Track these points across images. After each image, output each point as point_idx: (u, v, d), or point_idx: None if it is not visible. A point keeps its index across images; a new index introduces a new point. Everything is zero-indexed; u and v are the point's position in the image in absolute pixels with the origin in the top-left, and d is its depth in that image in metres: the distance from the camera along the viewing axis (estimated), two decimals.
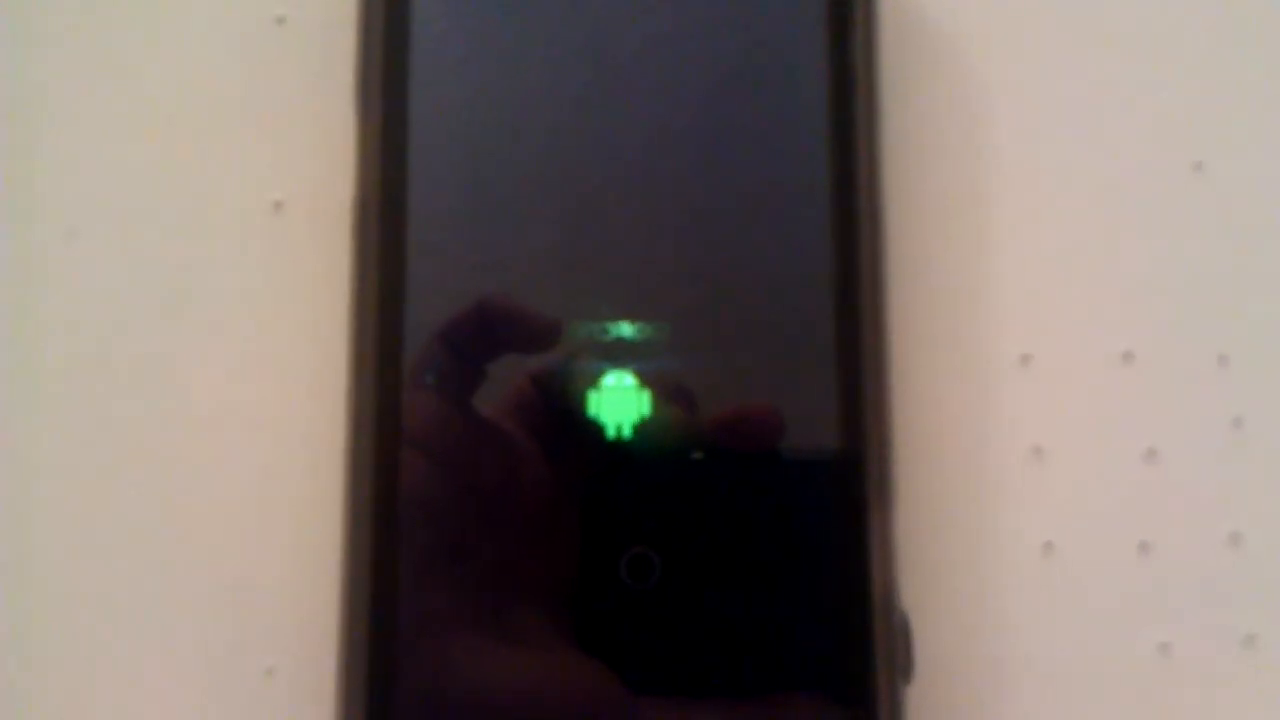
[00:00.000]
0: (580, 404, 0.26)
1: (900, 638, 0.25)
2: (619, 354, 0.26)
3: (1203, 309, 0.29)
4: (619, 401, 0.26)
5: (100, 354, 0.28)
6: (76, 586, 0.27)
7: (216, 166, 0.29)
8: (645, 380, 0.26)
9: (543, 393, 0.26)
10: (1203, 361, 0.29)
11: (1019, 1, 0.30)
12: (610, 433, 0.26)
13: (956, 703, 0.27)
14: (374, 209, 0.26)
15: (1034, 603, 0.28)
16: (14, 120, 0.29)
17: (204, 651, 0.27)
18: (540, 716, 0.25)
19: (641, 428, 0.26)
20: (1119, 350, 0.29)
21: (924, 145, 0.29)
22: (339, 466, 0.26)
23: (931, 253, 0.29)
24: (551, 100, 0.27)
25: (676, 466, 0.26)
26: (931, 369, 0.29)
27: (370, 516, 0.25)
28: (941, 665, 0.27)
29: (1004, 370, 0.29)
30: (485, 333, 0.26)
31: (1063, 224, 0.29)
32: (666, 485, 0.26)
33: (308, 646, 0.27)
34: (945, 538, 0.28)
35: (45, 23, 0.29)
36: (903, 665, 0.25)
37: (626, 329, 0.26)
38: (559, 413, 0.26)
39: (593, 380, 0.26)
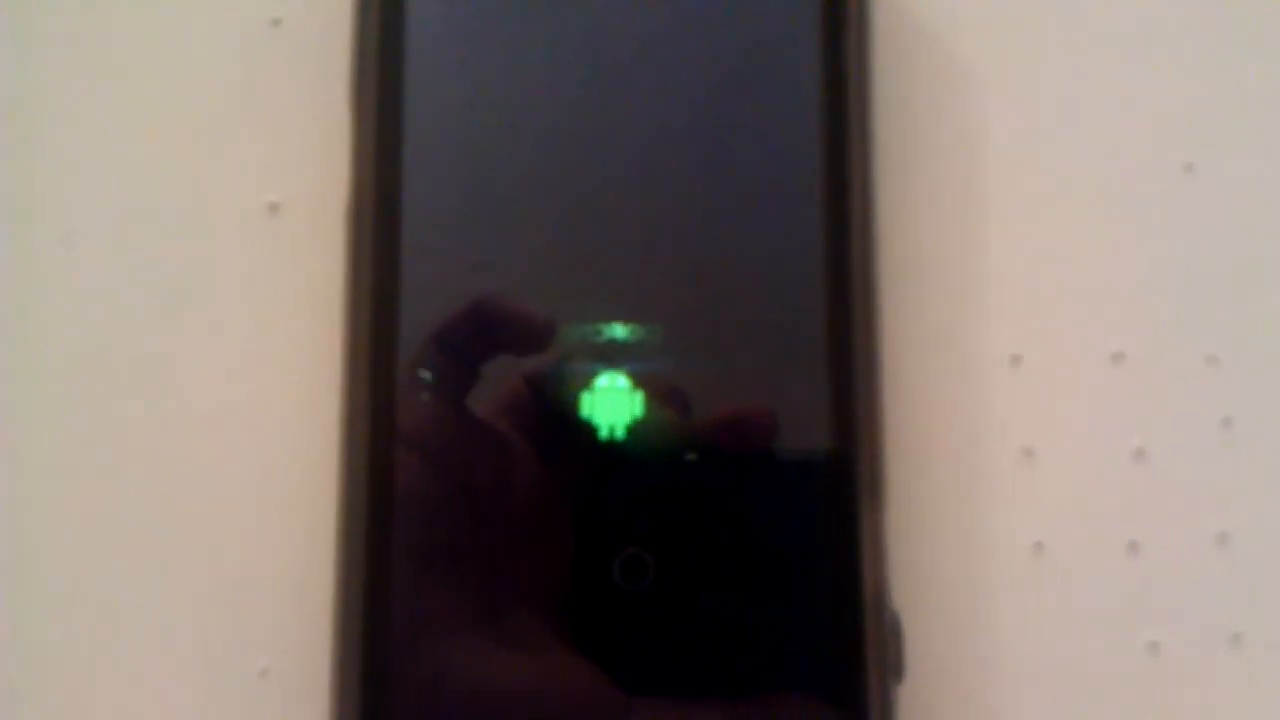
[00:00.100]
0: (573, 405, 0.26)
1: (891, 637, 0.25)
2: (612, 355, 0.26)
3: (1192, 310, 0.29)
4: (612, 402, 0.26)
5: (97, 355, 0.28)
6: (73, 587, 0.28)
7: (212, 168, 0.29)
8: (638, 381, 0.26)
9: (536, 394, 0.26)
10: (1192, 362, 0.29)
11: (1011, 2, 0.30)
12: (603, 434, 0.26)
13: (947, 702, 0.28)
14: (369, 210, 0.26)
15: (1024, 602, 0.28)
16: (10, 123, 0.29)
17: (199, 652, 0.27)
18: (534, 717, 0.25)
19: (635, 429, 0.26)
20: (1109, 351, 0.29)
21: (916, 146, 0.30)
22: (334, 467, 0.26)
23: (923, 254, 0.29)
24: (546, 102, 0.27)
25: (670, 467, 0.26)
26: (922, 369, 0.29)
27: (364, 517, 0.25)
28: (932, 664, 0.27)
29: (994, 371, 0.29)
30: (480, 333, 0.26)
31: (1053, 225, 0.29)
32: (660, 486, 0.26)
33: (302, 647, 0.27)
34: (936, 538, 0.28)
35: (41, 26, 0.29)
36: (894, 665, 0.25)
37: (619, 330, 0.26)
38: (552, 414, 0.26)
39: (586, 381, 0.26)
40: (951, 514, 0.28)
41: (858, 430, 0.26)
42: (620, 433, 0.26)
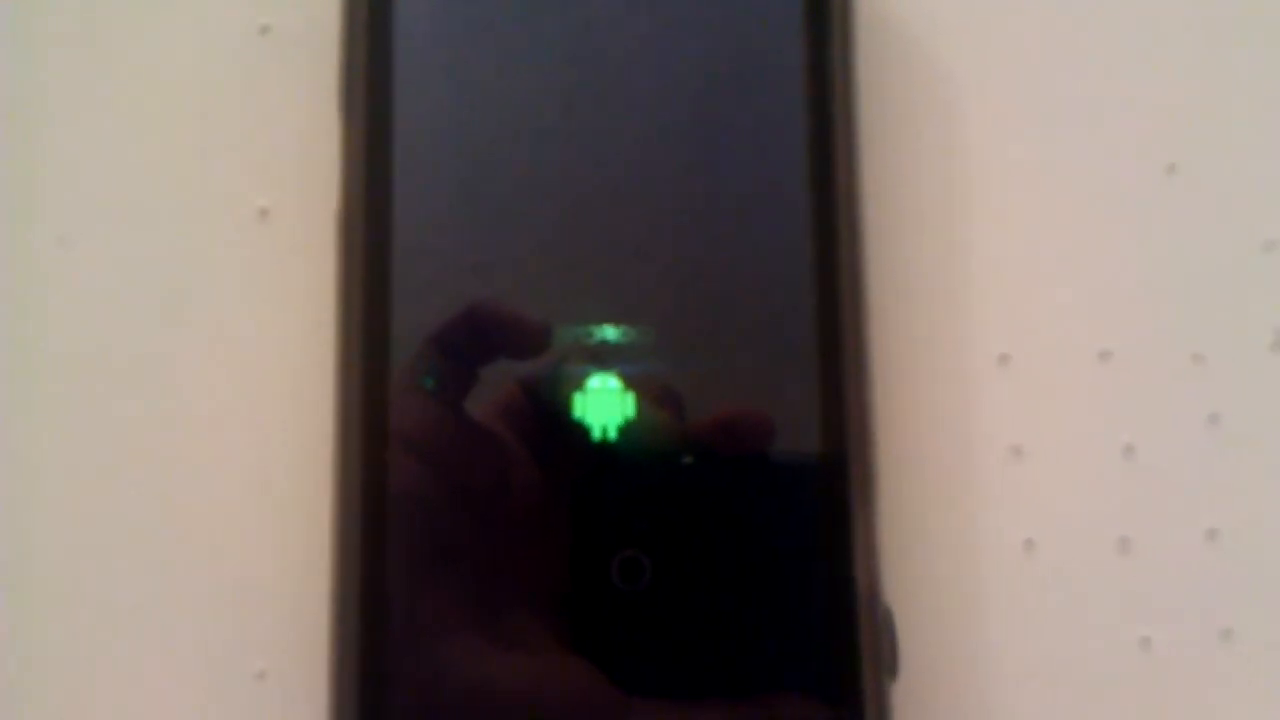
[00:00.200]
0: (569, 408, 0.26)
1: (885, 635, 0.26)
2: (605, 357, 0.26)
3: (1178, 308, 0.30)
4: (608, 405, 0.26)
5: (94, 356, 0.28)
6: (73, 587, 0.27)
7: (202, 174, 0.29)
8: (633, 384, 0.26)
9: (532, 397, 0.26)
10: (1179, 360, 0.29)
11: (994, 5, 0.30)
12: (599, 436, 0.26)
13: (940, 698, 0.28)
14: (359, 215, 0.26)
15: (1015, 599, 0.28)
16: (5, 128, 0.29)
17: (197, 653, 0.27)
18: (532, 718, 0.25)
19: (631, 431, 0.26)
20: (1096, 349, 0.29)
21: (901, 149, 0.30)
22: (330, 469, 0.26)
23: (910, 255, 0.29)
24: (534, 106, 0.27)
25: (666, 470, 0.26)
26: (912, 370, 0.29)
27: (361, 519, 0.25)
28: (925, 662, 0.27)
29: (983, 370, 0.29)
30: (475, 338, 0.26)
31: (1039, 225, 0.30)
32: (656, 488, 0.26)
33: (300, 649, 0.27)
34: (928, 536, 0.28)
35: (35, 33, 0.29)
36: (888, 662, 0.25)
37: (611, 332, 0.26)
38: (548, 417, 0.26)
39: (580, 384, 0.26)
40: (942, 512, 0.28)
41: (848, 430, 0.26)
42: (616, 435, 0.26)
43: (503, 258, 0.26)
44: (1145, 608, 0.28)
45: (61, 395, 0.28)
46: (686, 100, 0.27)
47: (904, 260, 0.29)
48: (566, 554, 0.25)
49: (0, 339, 0.28)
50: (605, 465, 0.26)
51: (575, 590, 0.25)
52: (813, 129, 0.27)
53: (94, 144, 0.29)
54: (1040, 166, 0.30)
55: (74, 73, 0.29)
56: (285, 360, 0.28)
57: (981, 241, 0.30)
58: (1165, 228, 0.30)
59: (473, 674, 0.25)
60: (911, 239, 0.29)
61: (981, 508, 0.29)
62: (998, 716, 0.28)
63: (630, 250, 0.27)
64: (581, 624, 0.25)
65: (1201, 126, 0.30)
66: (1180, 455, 0.29)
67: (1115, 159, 0.30)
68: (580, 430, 0.26)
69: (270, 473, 0.28)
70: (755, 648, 0.25)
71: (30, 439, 0.28)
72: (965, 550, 0.28)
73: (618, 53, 0.27)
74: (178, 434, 0.28)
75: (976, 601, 0.28)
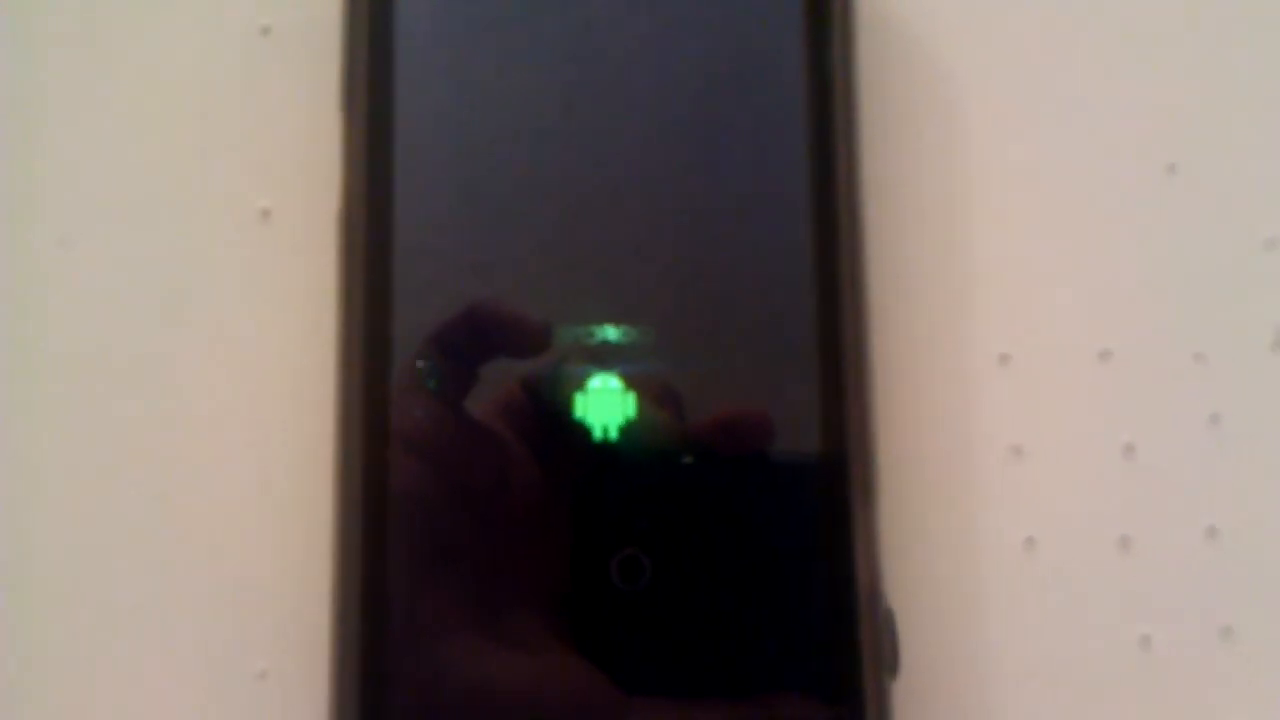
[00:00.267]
0: (570, 408, 0.26)
1: (886, 634, 0.26)
2: (605, 357, 0.26)
3: (1178, 308, 0.30)
4: (608, 405, 0.26)
5: (95, 356, 0.28)
6: (73, 587, 0.27)
7: (203, 175, 0.29)
8: (633, 383, 0.26)
9: (532, 397, 0.26)
10: (1179, 359, 0.29)
11: (995, 5, 0.30)
12: (600, 436, 0.26)
13: (941, 697, 0.28)
14: (361, 215, 0.26)
15: (1016, 598, 0.28)
16: (6, 128, 0.29)
17: (198, 653, 0.27)
18: (532, 718, 0.25)
19: (631, 431, 0.26)
20: (1096, 349, 0.29)
21: (902, 148, 0.30)
22: (331, 470, 0.26)
23: (910, 255, 0.29)
24: (536, 106, 0.27)
25: (666, 469, 0.26)
26: (912, 369, 0.29)
27: (361, 520, 0.25)
28: (926, 661, 0.27)
29: (983, 370, 0.29)
30: (476, 337, 0.26)
31: (1039, 225, 0.30)
32: (657, 488, 0.26)
33: (301, 649, 0.27)
34: (928, 535, 0.28)
35: (35, 33, 0.29)
36: (889, 661, 0.25)
37: (612, 332, 0.26)
38: (549, 416, 0.26)
39: (582, 384, 0.26)
40: (943, 512, 0.28)
41: (848, 430, 0.26)
42: (616, 435, 0.26)
43: (503, 257, 0.26)
44: (1145, 607, 0.28)
45: (63, 396, 0.28)
46: (687, 100, 0.27)
47: (904, 260, 0.29)
48: (566, 553, 0.26)
49: (1, 339, 0.28)
50: (605, 465, 0.26)
51: (575, 590, 0.25)
52: (813, 129, 0.27)
53: (95, 145, 0.29)
54: (1040, 166, 0.30)
55: (75, 73, 0.29)
56: (286, 360, 0.28)
57: (982, 241, 0.30)
58: (1165, 227, 0.30)
59: (472, 674, 0.25)
60: (912, 239, 0.29)
61: (982, 507, 0.29)
62: (998, 715, 0.28)
63: (631, 250, 0.27)
64: (581, 623, 0.25)
65: (1201, 126, 0.30)
66: (1181, 454, 0.29)
67: (1115, 158, 0.30)
68: (580, 430, 0.26)
69: (271, 473, 0.28)
70: (755, 647, 0.25)
71: (32, 440, 0.28)
72: (965, 549, 0.28)
73: (618, 52, 0.27)
74: (179, 434, 0.28)
75: (977, 601, 0.28)
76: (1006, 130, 0.30)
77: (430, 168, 0.27)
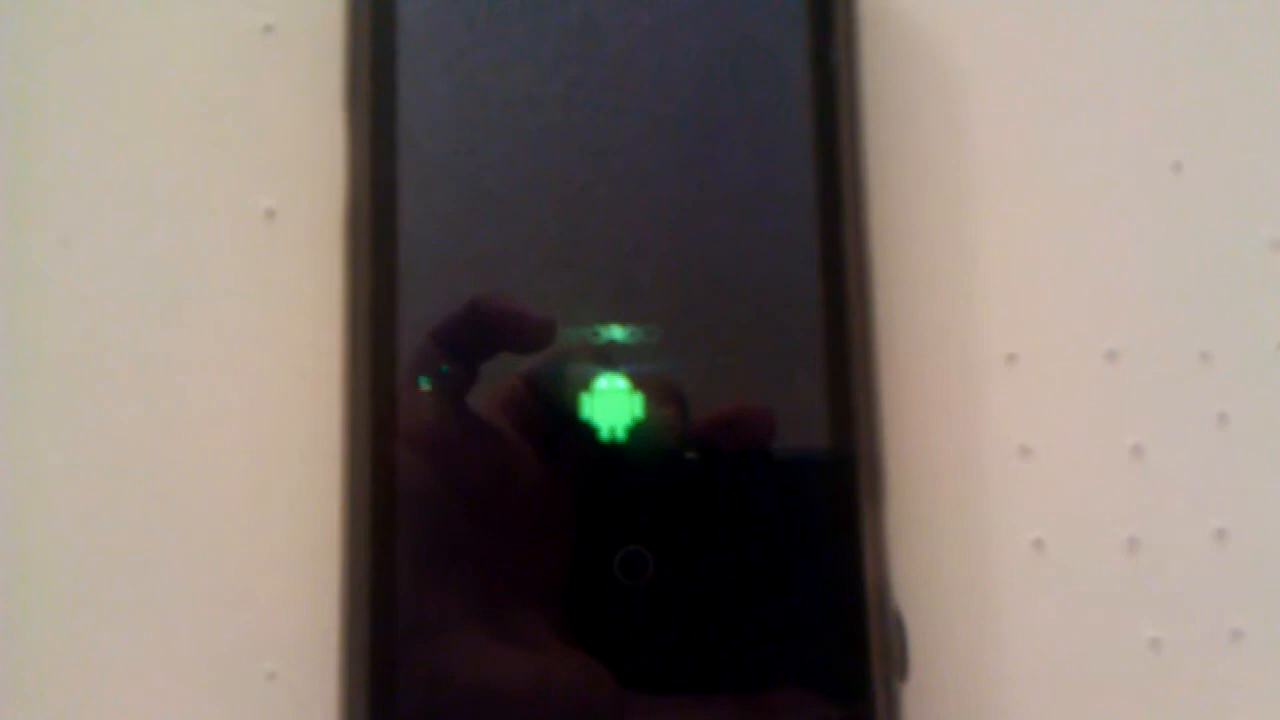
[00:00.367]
0: (572, 403, 0.26)
1: (895, 636, 0.25)
2: (610, 354, 0.26)
3: (1185, 307, 0.29)
4: (610, 400, 0.26)
5: (97, 359, 0.28)
6: (78, 589, 0.27)
7: (208, 175, 0.29)
8: (636, 380, 0.26)
9: (535, 392, 0.26)
10: (1186, 359, 0.29)
11: (999, 4, 0.30)
12: (602, 431, 0.26)
13: (948, 699, 0.28)
14: (365, 214, 0.26)
15: (1024, 599, 0.28)
16: (9, 128, 0.29)
17: (206, 655, 0.27)
18: (536, 714, 0.25)
19: (633, 426, 0.26)
20: (1103, 349, 0.29)
21: (907, 148, 0.30)
22: (338, 470, 0.26)
23: (917, 254, 0.29)
24: (540, 105, 0.27)
25: (669, 465, 0.26)
26: (919, 369, 0.29)
27: (369, 520, 0.25)
28: (934, 661, 0.27)
29: (991, 370, 0.29)
30: (479, 333, 0.26)
31: (1046, 224, 0.30)
32: (659, 484, 0.26)
33: (309, 650, 0.27)
34: (936, 536, 0.28)
35: (32, 36, 0.29)
36: (898, 664, 0.25)
37: (618, 331, 0.26)
38: (551, 412, 0.26)
39: (584, 379, 0.26)
40: (950, 512, 0.28)
41: (856, 429, 0.26)
42: (619, 431, 0.26)
43: (508, 255, 0.26)
44: (1154, 608, 0.28)
45: (67, 397, 0.28)
46: (692, 98, 0.27)
47: (911, 260, 0.29)
48: (569, 549, 0.25)
49: (6, 340, 0.28)
50: (608, 460, 0.26)
51: (578, 585, 0.25)
52: (818, 127, 0.27)
53: (98, 145, 0.29)
54: (1046, 165, 0.30)
55: (78, 74, 0.29)
56: (292, 360, 0.28)
57: (988, 241, 0.29)
58: (1172, 226, 0.30)
59: (481, 672, 0.24)
60: (918, 239, 0.29)
61: (990, 507, 0.28)
62: (1006, 716, 0.28)
63: (637, 247, 0.27)
64: (585, 619, 0.25)
65: (1208, 124, 0.30)
66: (1189, 455, 0.29)
67: (1122, 157, 0.30)
68: (585, 426, 0.26)
69: (277, 474, 0.28)
70: (758, 644, 0.25)
71: (32, 441, 0.28)
72: (974, 550, 0.28)
73: (622, 50, 0.27)
74: (185, 435, 0.28)
75: (985, 601, 0.28)
76: (1012, 129, 0.30)
77: (435, 167, 0.27)
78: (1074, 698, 0.28)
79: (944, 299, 0.29)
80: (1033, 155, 0.30)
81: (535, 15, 0.27)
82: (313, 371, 0.27)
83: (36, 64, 0.29)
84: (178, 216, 0.29)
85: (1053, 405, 0.29)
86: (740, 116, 0.27)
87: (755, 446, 0.26)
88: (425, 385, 0.26)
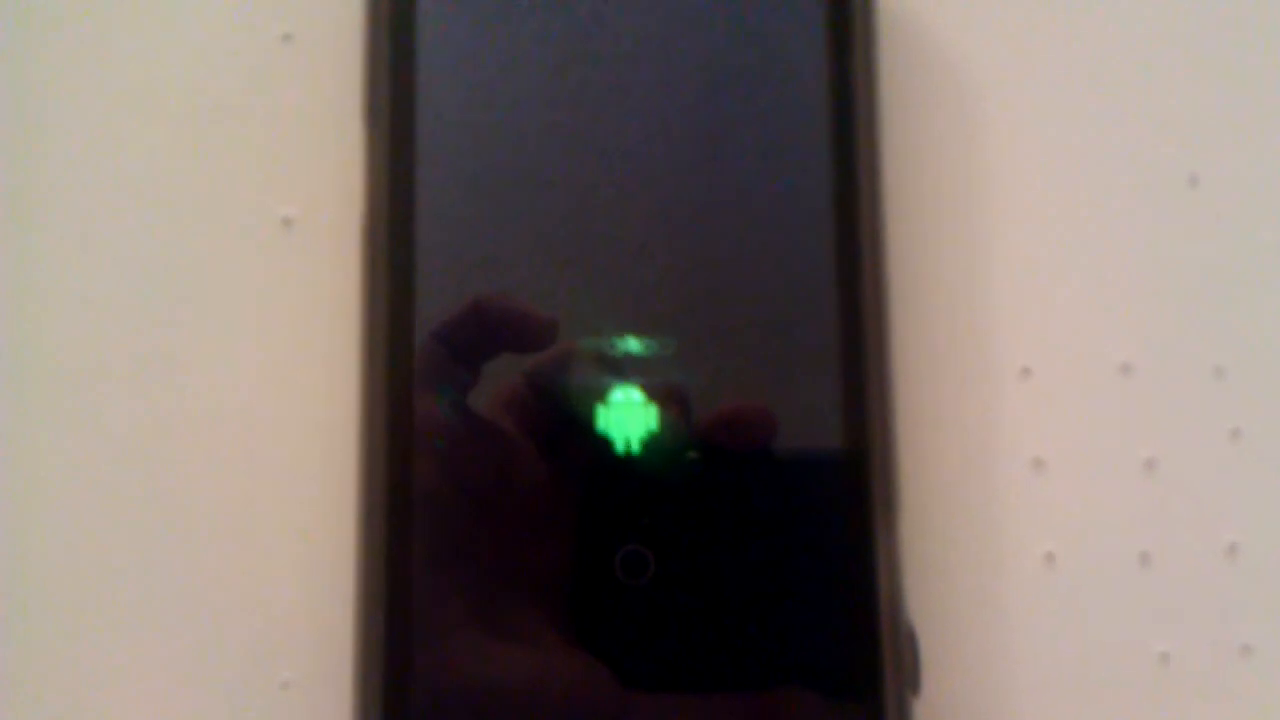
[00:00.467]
0: (574, 403, 0.26)
1: (907, 650, 0.25)
2: (618, 359, 0.26)
3: (1199, 321, 0.29)
4: (613, 401, 0.26)
5: (115, 365, 0.28)
6: (90, 597, 0.27)
7: (225, 184, 0.29)
8: (640, 383, 0.26)
9: (537, 392, 0.26)
10: (1200, 373, 0.29)
11: (1016, 15, 0.30)
12: (605, 432, 0.26)
13: (959, 710, 0.28)
14: (383, 223, 0.26)
15: (1036, 612, 0.28)
16: (21, 134, 0.29)
17: (220, 664, 0.27)
18: (537, 714, 0.25)
19: (635, 427, 0.26)
20: (1117, 362, 0.29)
21: (923, 159, 0.30)
22: (354, 478, 0.26)
23: (932, 266, 0.29)
24: (558, 114, 0.27)
25: (670, 465, 0.26)
26: (933, 382, 0.29)
27: (386, 524, 0.25)
28: (944, 674, 0.27)
29: (1005, 383, 0.29)
30: (481, 332, 0.26)
31: (1060, 238, 0.30)
32: (660, 483, 0.26)
33: (323, 659, 0.27)
34: (948, 547, 0.28)
35: (50, 42, 0.29)
36: (910, 677, 0.25)
37: (631, 341, 0.26)
38: (553, 411, 0.26)
39: (588, 379, 0.26)
40: (963, 525, 0.28)
41: (870, 441, 0.26)
42: (621, 430, 0.26)
43: (525, 263, 0.26)
44: (1165, 623, 0.28)
45: (82, 402, 0.28)
46: (709, 106, 0.27)
47: (926, 271, 0.29)
48: (570, 548, 0.26)
49: (21, 344, 0.28)
50: (610, 459, 0.26)
51: (579, 585, 0.25)
52: (835, 136, 0.27)
53: (116, 152, 0.29)
54: (1062, 178, 0.30)
55: (96, 80, 0.29)
56: (309, 368, 0.28)
57: (1002, 254, 0.29)
58: (1187, 240, 0.30)
59: (482, 671, 0.25)
60: (933, 252, 0.29)
61: (1002, 520, 0.29)
62: None
63: (654, 258, 0.27)
64: (586, 618, 0.25)
65: (1223, 137, 0.30)
66: (1201, 469, 0.29)
67: (1137, 170, 0.30)
68: (588, 426, 0.26)
69: (293, 482, 0.28)
70: (759, 644, 0.25)
71: (34, 444, 0.28)
72: (986, 563, 0.28)
73: (640, 60, 0.27)
74: (202, 443, 0.28)
75: (997, 614, 0.28)
76: (1027, 141, 0.30)
77: (453, 176, 0.27)
78: (1083, 711, 0.28)
79: (958, 311, 0.29)
80: (1048, 167, 0.30)
81: (555, 25, 0.27)
82: (330, 380, 0.28)
83: (52, 71, 0.29)
84: (196, 224, 0.29)
85: (1066, 418, 0.29)
86: (757, 125, 0.27)
87: (756, 445, 0.26)
88: (444, 395, 0.26)
